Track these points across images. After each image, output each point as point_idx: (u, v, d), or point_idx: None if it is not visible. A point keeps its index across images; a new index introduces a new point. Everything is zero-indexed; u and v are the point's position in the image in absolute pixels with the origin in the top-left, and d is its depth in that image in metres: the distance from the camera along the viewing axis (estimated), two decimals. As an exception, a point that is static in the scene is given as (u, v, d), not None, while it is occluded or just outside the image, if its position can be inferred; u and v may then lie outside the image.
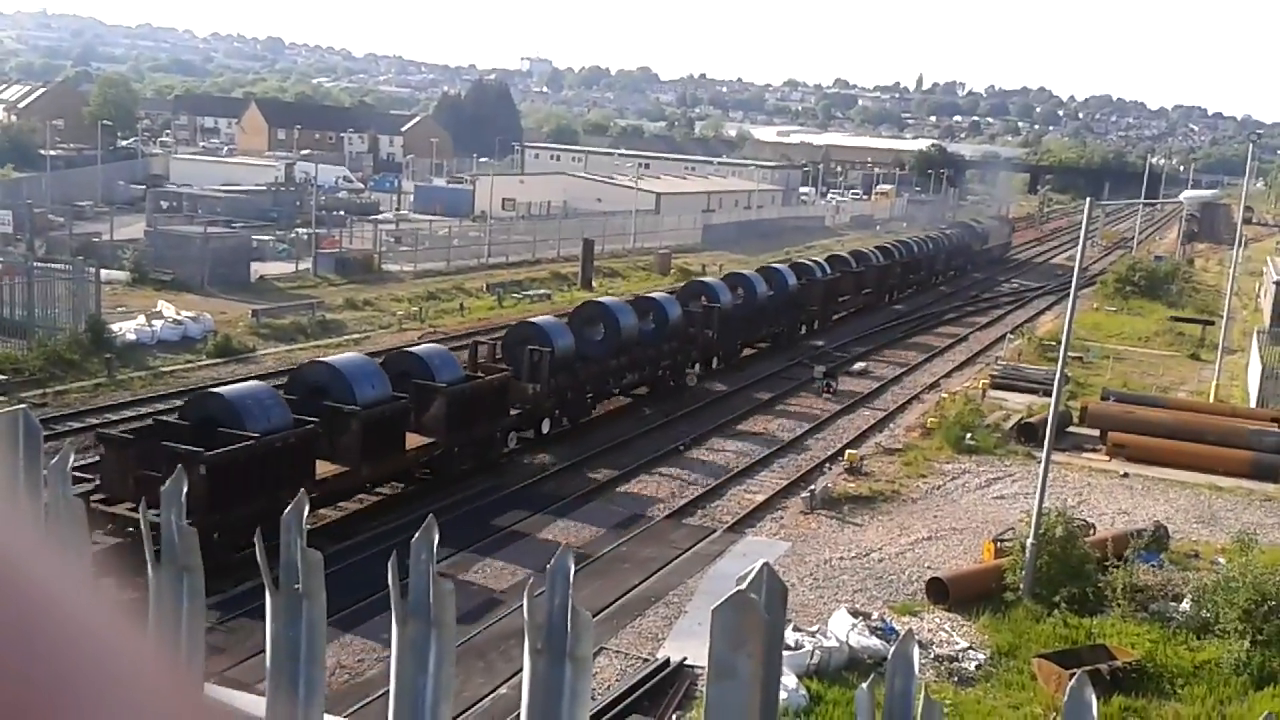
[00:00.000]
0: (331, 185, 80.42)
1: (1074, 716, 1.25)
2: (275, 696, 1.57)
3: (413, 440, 21.49)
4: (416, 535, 1.51)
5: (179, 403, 25.72)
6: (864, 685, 1.39)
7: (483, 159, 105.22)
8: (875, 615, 17.15)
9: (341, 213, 64.63)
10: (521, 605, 1.47)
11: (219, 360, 31.40)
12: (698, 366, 33.52)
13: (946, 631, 17.08)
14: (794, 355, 37.95)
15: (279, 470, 17.74)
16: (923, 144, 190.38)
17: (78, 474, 16.60)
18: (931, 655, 16.00)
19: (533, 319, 28.55)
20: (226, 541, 16.24)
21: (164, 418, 19.77)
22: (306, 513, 1.54)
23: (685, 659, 15.79)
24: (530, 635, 1.46)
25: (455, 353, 25.32)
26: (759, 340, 38.11)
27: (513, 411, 24.32)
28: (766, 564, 1.50)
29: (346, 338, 36.03)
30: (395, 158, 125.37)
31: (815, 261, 45.49)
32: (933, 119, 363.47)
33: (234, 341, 32.99)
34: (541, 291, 47.22)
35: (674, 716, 14.45)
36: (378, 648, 15.28)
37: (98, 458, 18.64)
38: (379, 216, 66.11)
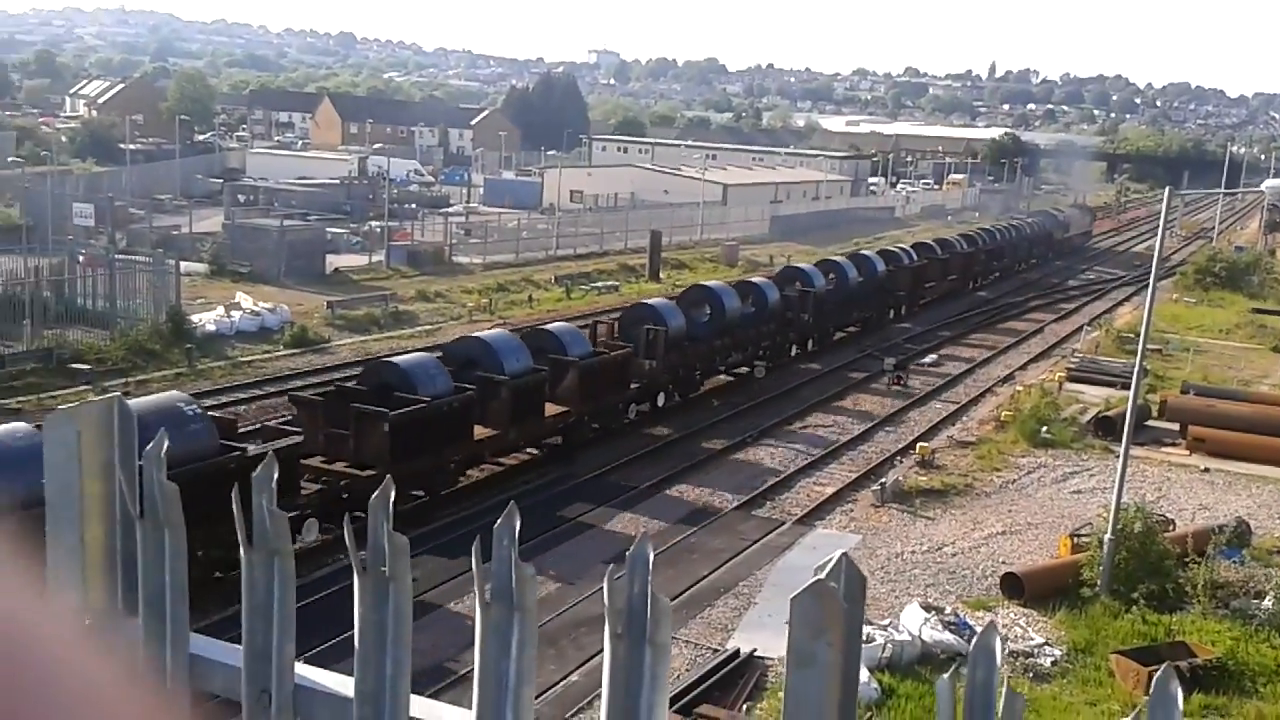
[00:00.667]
0: (403, 179, 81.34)
1: (1159, 710, 1.24)
2: (363, 676, 1.62)
3: (549, 409, 23.33)
4: (499, 522, 1.54)
5: (258, 392, 26.81)
6: (944, 676, 1.39)
7: (550, 151, 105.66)
8: (948, 610, 16.97)
9: (413, 206, 65.37)
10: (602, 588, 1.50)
11: (295, 350, 31.96)
12: (793, 349, 35.25)
13: (1021, 627, 16.86)
14: (882, 338, 39.30)
15: (445, 430, 19.87)
16: (995, 133, 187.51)
17: (285, 428, 19.15)
18: (1006, 651, 15.81)
19: (648, 300, 30.36)
20: (401, 492, 17.54)
21: (345, 384, 21.52)
22: (393, 497, 1.57)
23: (755, 650, 15.78)
24: (610, 620, 1.48)
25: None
26: (850, 324, 39.67)
27: (632, 385, 26.18)
28: (845, 554, 1.50)
29: (419, 329, 36.47)
30: (465, 151, 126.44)
31: (902, 248, 46.88)
32: (1006, 107, 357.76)
33: (310, 332, 33.55)
34: (609, 283, 47.35)
35: (744, 707, 14.45)
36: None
37: (290, 417, 20.96)
38: (449, 209, 66.73)
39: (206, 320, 32.54)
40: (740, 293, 31.91)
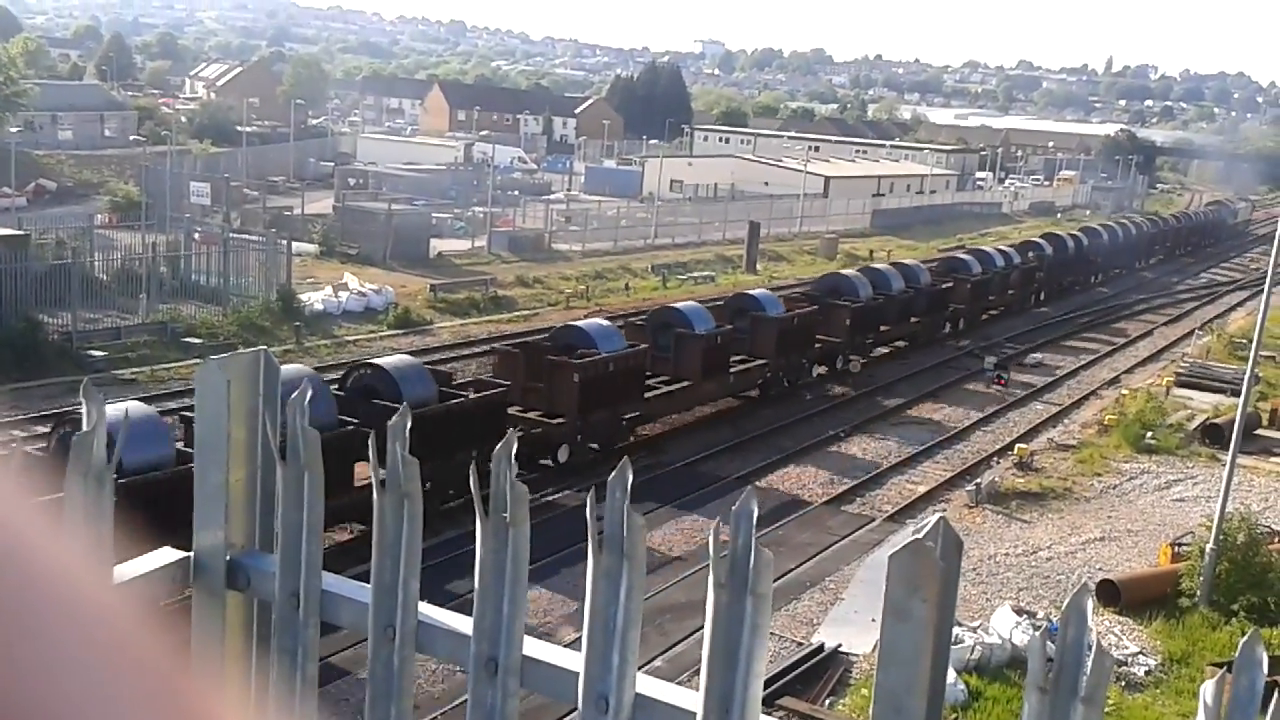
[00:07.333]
0: (507, 166, 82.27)
1: (1244, 670, 1.29)
2: (481, 614, 1.74)
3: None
4: (612, 475, 1.64)
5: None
6: (1036, 633, 1.46)
7: (652, 141, 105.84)
8: (1040, 615, 16.71)
9: (516, 192, 66.13)
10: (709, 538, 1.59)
11: (399, 331, 32.65)
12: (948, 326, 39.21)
13: (1116, 635, 16.53)
14: (1025, 322, 43.04)
15: (620, 383, 22.99)
16: (1110, 129, 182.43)
17: (494, 380, 22.19)
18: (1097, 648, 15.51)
19: (844, 271, 36.17)
20: (589, 435, 22.35)
21: (535, 340, 25.43)
22: (515, 449, 1.68)
23: (840, 645, 15.75)
24: (715, 570, 1.57)
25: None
26: (995, 306, 43.50)
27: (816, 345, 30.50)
28: (943, 516, 1.58)
29: (517, 314, 36.96)
30: (568, 139, 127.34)
31: (1052, 236, 52.33)
32: (1122, 103, 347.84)
33: (413, 314, 34.24)
34: (706, 274, 47.35)
35: (827, 701, 14.43)
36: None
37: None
38: (551, 197, 67.38)
39: (315, 300, 33.41)
40: (905, 275, 36.09)
